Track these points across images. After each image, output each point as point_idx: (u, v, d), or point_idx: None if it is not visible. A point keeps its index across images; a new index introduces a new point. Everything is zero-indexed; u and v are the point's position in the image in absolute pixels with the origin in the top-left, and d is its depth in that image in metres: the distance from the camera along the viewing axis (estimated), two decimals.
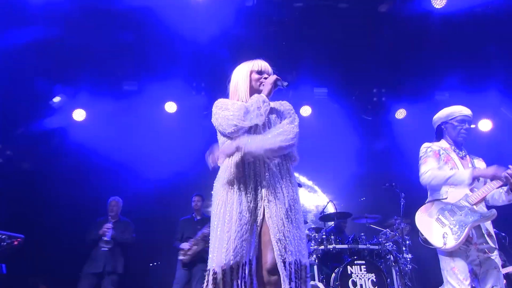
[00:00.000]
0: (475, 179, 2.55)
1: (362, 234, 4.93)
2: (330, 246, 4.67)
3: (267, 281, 1.84)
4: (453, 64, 5.94)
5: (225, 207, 1.92)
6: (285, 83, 2.14)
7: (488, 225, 2.59)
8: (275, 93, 2.31)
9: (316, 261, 4.61)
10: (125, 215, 5.22)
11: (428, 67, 6.11)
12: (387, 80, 6.60)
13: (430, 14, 5.13)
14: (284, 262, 1.81)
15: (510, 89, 6.00)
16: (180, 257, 4.74)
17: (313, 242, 4.85)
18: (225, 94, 2.32)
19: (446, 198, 2.64)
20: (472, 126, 2.82)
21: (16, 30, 4.84)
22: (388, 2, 5.21)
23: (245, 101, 2.14)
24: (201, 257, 4.71)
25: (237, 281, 1.79)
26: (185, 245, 4.79)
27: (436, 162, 2.73)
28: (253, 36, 5.43)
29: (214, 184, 2.09)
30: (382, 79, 6.57)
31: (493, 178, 2.50)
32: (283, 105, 2.23)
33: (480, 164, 2.82)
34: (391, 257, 4.70)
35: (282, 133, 2.01)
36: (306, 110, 6.68)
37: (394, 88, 6.70)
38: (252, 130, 2.06)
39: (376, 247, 4.75)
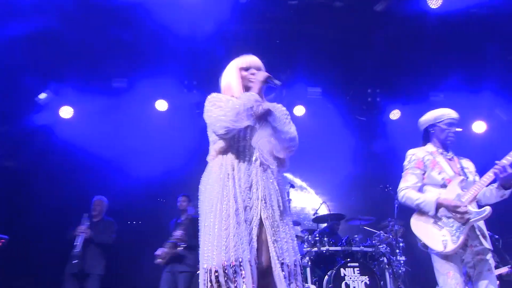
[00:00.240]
0: (439, 207, 2.59)
1: (356, 236, 4.97)
2: (323, 248, 4.70)
3: (261, 282, 1.85)
4: (448, 65, 6.01)
5: (221, 203, 1.92)
6: (277, 82, 2.11)
7: (482, 226, 2.62)
8: (269, 93, 2.32)
9: (309, 263, 4.64)
10: (113, 214, 5.18)
11: (423, 68, 6.18)
12: (382, 80, 6.66)
13: (426, 14, 5.18)
14: (282, 264, 1.84)
15: (505, 90, 6.10)
16: (156, 261, 4.74)
17: (306, 244, 4.87)
18: (218, 92, 2.32)
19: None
20: (459, 129, 2.85)
21: (0, 23, 4.77)
22: (384, 1, 5.26)
23: None
24: (174, 258, 4.71)
25: (239, 280, 1.78)
26: (159, 250, 4.78)
27: (417, 176, 2.78)
28: (246, 33, 5.44)
29: (202, 179, 2.08)
30: (377, 79, 6.63)
31: (454, 209, 2.54)
32: (278, 108, 2.22)
33: (467, 164, 2.86)
34: (385, 259, 4.74)
35: (295, 138, 2.11)
36: (299, 110, 6.70)
37: (388, 89, 6.76)
38: (249, 129, 2.07)
39: (370, 249, 4.79)
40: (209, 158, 2.12)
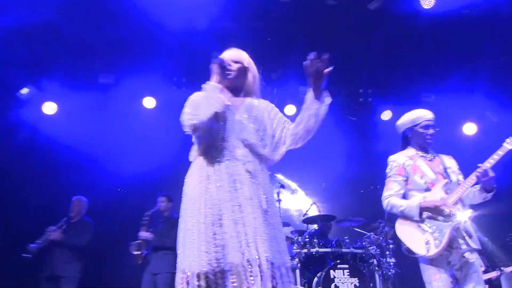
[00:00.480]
0: (423, 211, 2.63)
1: (346, 237, 5.00)
2: (313, 250, 4.72)
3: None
4: (439, 66, 6.11)
5: (205, 206, 1.90)
6: (218, 59, 2.09)
7: (468, 226, 2.66)
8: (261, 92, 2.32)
9: (299, 265, 4.65)
10: (98, 213, 5.13)
11: (415, 69, 6.26)
12: (374, 81, 6.72)
13: (419, 14, 5.25)
14: (262, 264, 1.78)
15: (495, 92, 6.22)
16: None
17: (295, 245, 4.88)
18: None
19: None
20: (433, 131, 2.87)
21: None
22: (377, 0, 5.31)
23: None
24: (154, 260, 4.71)
25: (228, 284, 1.77)
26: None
27: (399, 183, 2.82)
28: (238, 30, 5.43)
29: (185, 181, 2.06)
30: (369, 79, 6.69)
31: (437, 210, 2.58)
32: (258, 105, 2.21)
33: (450, 163, 2.90)
34: (375, 261, 4.78)
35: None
36: (290, 109, 6.73)
37: (380, 89, 6.83)
38: (227, 127, 2.05)
39: (360, 251, 4.82)
40: (191, 158, 2.12)
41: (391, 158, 2.94)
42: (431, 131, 2.87)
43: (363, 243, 4.95)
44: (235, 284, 1.75)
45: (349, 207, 6.65)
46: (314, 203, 5.80)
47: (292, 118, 2.19)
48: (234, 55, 2.22)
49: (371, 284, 4.49)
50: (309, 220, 5.53)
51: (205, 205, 1.91)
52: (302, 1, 5.34)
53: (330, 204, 6.91)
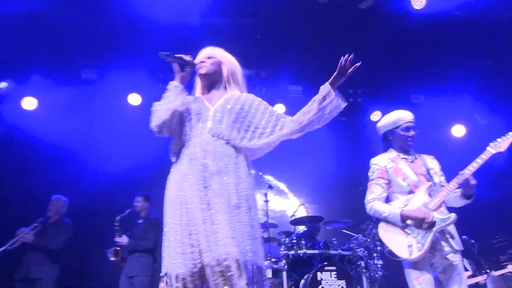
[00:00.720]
0: (405, 219, 2.67)
1: (334, 239, 5.04)
2: (301, 251, 4.74)
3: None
4: (429, 68, 6.20)
5: (180, 205, 1.92)
6: (165, 55, 2.12)
7: (451, 228, 2.70)
8: (248, 88, 2.32)
9: (286, 266, 4.66)
10: (78, 214, 5.05)
11: (405, 70, 6.34)
12: (364, 81, 6.78)
13: (410, 15, 5.31)
14: (231, 264, 1.76)
15: (484, 95, 6.34)
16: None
17: (282, 247, 4.90)
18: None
19: (407, 206, 2.73)
20: (413, 132, 2.90)
21: None
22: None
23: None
24: (130, 262, 4.66)
25: (199, 285, 1.79)
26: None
27: (382, 187, 2.84)
28: (228, 27, 5.42)
29: (167, 183, 2.07)
30: (359, 79, 6.75)
31: (418, 221, 2.62)
32: (253, 100, 2.22)
33: (432, 164, 2.93)
34: (362, 263, 4.83)
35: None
36: (279, 108, 6.75)
37: (370, 90, 6.90)
38: (199, 125, 2.06)
39: (348, 252, 4.86)
40: (172, 159, 2.14)
41: (373, 161, 2.96)
42: (411, 132, 2.90)
43: (351, 245, 4.99)
44: (207, 285, 1.76)
45: (337, 208, 6.71)
46: (302, 204, 5.84)
47: None
48: (208, 52, 2.28)
49: (358, 287, 4.53)
50: (297, 221, 5.56)
51: (180, 205, 1.92)
52: (293, 0, 5.35)
53: (318, 206, 6.95)
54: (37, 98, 6.04)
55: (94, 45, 5.69)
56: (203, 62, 2.23)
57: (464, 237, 5.16)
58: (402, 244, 2.64)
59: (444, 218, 2.62)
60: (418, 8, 5.21)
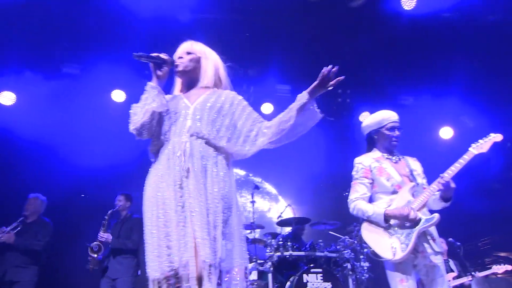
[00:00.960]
0: (389, 218, 2.69)
1: (320, 240, 5.06)
2: (287, 253, 4.75)
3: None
4: (418, 69, 6.28)
5: (157, 207, 1.89)
6: (138, 55, 2.09)
7: (432, 229, 2.73)
8: (234, 87, 2.29)
9: (271, 268, 4.67)
10: (57, 212, 4.96)
11: (394, 71, 6.41)
12: (353, 82, 6.83)
13: (400, 15, 5.38)
14: (210, 265, 1.75)
15: (471, 97, 6.46)
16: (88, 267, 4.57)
17: (268, 248, 4.90)
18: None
19: (390, 206, 2.76)
20: (398, 133, 2.94)
21: None
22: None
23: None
24: (106, 267, 4.57)
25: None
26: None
27: (365, 186, 2.86)
28: (215, 23, 5.38)
29: (145, 183, 2.05)
30: (348, 80, 6.78)
31: (402, 218, 2.65)
32: (234, 97, 2.18)
33: (415, 165, 2.97)
34: (349, 265, 4.86)
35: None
36: (267, 108, 6.74)
37: (359, 90, 6.95)
38: (177, 124, 2.03)
39: (334, 254, 4.90)
40: (151, 158, 2.11)
41: (357, 160, 2.99)
42: (396, 132, 2.93)
43: (338, 247, 5.03)
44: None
45: (325, 209, 6.74)
46: (289, 205, 5.85)
47: (268, 118, 2.17)
48: (186, 47, 2.22)
49: None
50: (283, 223, 5.57)
51: (157, 206, 1.90)
52: None
53: (305, 206, 6.98)
54: (16, 93, 5.91)
55: (76, 39, 5.60)
56: (181, 58, 2.18)
57: (450, 239, 5.27)
58: (386, 245, 2.66)
59: (428, 218, 2.66)
60: (408, 9, 5.28)
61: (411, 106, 6.79)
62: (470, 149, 2.81)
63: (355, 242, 5.05)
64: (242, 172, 7.63)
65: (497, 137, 2.81)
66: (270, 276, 4.63)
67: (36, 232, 4.60)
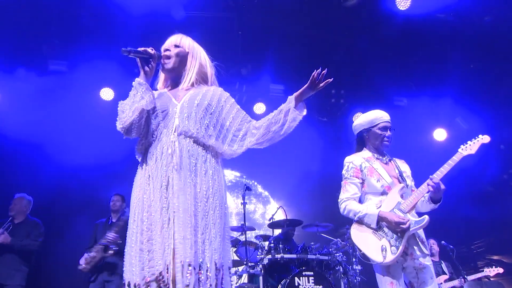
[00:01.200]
0: (382, 220, 2.70)
1: (312, 243, 5.07)
2: (278, 256, 4.74)
3: None
4: (412, 70, 6.33)
5: (142, 209, 1.87)
6: (126, 51, 2.06)
7: (421, 232, 2.75)
8: (223, 85, 2.28)
9: (262, 271, 4.66)
10: (43, 212, 4.91)
11: (388, 72, 6.45)
12: (347, 82, 6.86)
13: (394, 16, 5.41)
14: (189, 265, 1.73)
15: (466, 99, 6.53)
16: (79, 267, 4.50)
17: (260, 251, 4.89)
18: None
19: (380, 207, 2.77)
20: (390, 133, 2.96)
21: None
22: None
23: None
24: (102, 266, 4.52)
25: None
26: (85, 256, 4.52)
27: (356, 186, 2.87)
28: (208, 21, 5.36)
29: (133, 184, 2.03)
30: (342, 80, 6.82)
31: (395, 224, 2.64)
32: (222, 94, 2.16)
33: (404, 167, 2.99)
34: (341, 268, 4.87)
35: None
36: (260, 108, 6.74)
37: (353, 91, 6.98)
38: (166, 121, 2.01)
39: (326, 257, 4.90)
40: (137, 157, 2.09)
41: (348, 159, 2.99)
42: (388, 132, 2.95)
43: (330, 249, 5.03)
44: None
45: (317, 211, 6.75)
46: (280, 206, 5.84)
47: (261, 117, 2.16)
48: (176, 40, 2.20)
49: None
50: (275, 225, 5.56)
51: (142, 208, 1.88)
52: None
53: (297, 208, 6.98)
54: (0, 89, 5.83)
55: (64, 35, 5.53)
56: (168, 50, 2.16)
57: (443, 242, 5.32)
58: (376, 247, 2.66)
59: (418, 220, 2.67)
60: (403, 9, 5.31)
61: (405, 108, 6.84)
62: (459, 150, 2.83)
63: (348, 244, 5.06)
64: (233, 174, 7.62)
65: (484, 138, 2.83)
66: (261, 279, 4.62)
67: (28, 233, 4.56)
